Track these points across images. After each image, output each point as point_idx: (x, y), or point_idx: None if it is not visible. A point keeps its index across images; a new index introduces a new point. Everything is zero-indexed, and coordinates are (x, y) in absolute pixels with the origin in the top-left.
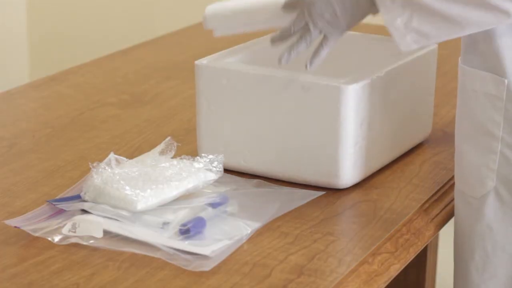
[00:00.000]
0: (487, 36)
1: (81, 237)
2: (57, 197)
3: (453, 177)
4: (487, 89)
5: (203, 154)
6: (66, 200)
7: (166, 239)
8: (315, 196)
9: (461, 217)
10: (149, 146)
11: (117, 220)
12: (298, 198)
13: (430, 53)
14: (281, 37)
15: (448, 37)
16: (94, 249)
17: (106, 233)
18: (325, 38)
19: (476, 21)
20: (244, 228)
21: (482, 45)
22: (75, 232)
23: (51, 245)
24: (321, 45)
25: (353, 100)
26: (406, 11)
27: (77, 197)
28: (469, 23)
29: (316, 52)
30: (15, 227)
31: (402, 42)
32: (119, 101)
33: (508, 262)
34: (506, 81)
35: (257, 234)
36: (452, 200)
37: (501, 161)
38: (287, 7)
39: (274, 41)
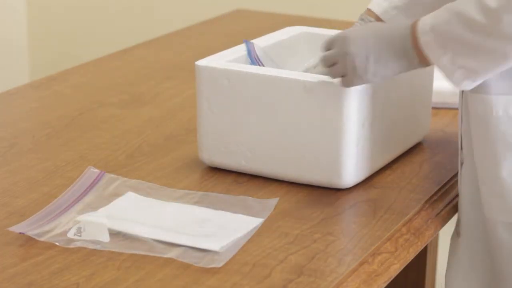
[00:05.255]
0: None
1: (88, 241)
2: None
3: (453, 177)
4: None
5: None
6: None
7: (174, 235)
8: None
9: (510, 247)
10: (149, 146)
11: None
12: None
13: None
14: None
15: (497, 69)
16: (94, 249)
17: (113, 234)
18: (344, 79)
19: None
20: (250, 222)
21: (506, 70)
22: (80, 236)
23: (51, 245)
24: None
25: (355, 101)
26: (447, 49)
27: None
28: (508, 55)
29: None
30: (20, 233)
31: (453, 79)
32: (119, 101)
33: None
34: None
35: (257, 234)
36: (452, 199)
37: None
38: (326, 42)
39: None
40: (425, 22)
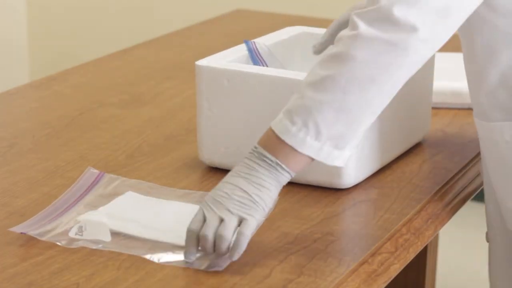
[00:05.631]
0: (502, 91)
1: (89, 240)
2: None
3: (453, 177)
4: None
5: None
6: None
7: (175, 237)
8: None
9: None
10: (149, 146)
11: (122, 217)
12: None
13: None
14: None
15: (364, 125)
16: (94, 249)
17: (114, 233)
18: (244, 222)
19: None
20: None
21: (496, 100)
22: (82, 235)
23: (51, 245)
24: (240, 233)
25: None
26: (309, 124)
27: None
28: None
29: (236, 244)
30: (22, 233)
31: (323, 157)
32: (119, 101)
33: None
34: None
35: (257, 234)
36: (452, 200)
37: None
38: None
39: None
40: (275, 121)
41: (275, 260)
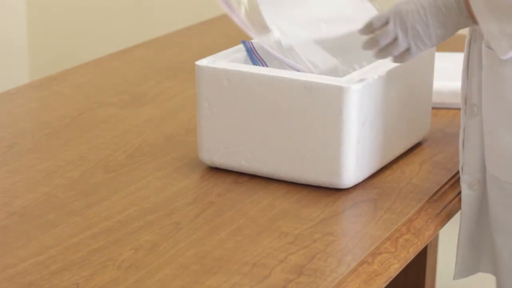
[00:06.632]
0: None
1: None
2: None
3: (453, 177)
4: None
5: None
6: None
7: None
8: None
9: (495, 202)
10: (149, 146)
11: None
12: None
13: (428, 52)
14: (371, 46)
15: None
16: (94, 249)
17: None
18: (408, 51)
19: None
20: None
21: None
22: None
23: (51, 245)
24: (402, 56)
25: (355, 100)
26: (496, 16)
27: None
28: None
29: (398, 58)
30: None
31: (499, 48)
32: (119, 101)
33: None
34: None
35: (257, 234)
36: (452, 200)
37: None
38: (377, 19)
39: (364, 48)
40: None
41: (275, 260)
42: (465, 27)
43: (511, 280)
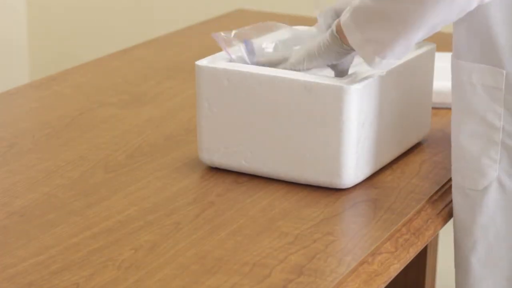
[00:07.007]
0: (482, 27)
1: None
2: None
3: None
4: (485, 81)
5: None
6: None
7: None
8: None
9: (461, 211)
10: (149, 146)
11: None
12: None
13: (428, 52)
14: None
15: (403, 36)
16: (94, 249)
17: None
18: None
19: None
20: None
21: (475, 38)
22: None
23: (51, 245)
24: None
25: (355, 100)
26: (358, 24)
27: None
28: (411, 15)
29: None
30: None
31: (365, 57)
32: (119, 101)
33: (510, 253)
34: (504, 72)
35: (257, 234)
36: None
37: (502, 151)
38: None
39: None
40: (349, 7)
41: (275, 260)
42: (343, 55)
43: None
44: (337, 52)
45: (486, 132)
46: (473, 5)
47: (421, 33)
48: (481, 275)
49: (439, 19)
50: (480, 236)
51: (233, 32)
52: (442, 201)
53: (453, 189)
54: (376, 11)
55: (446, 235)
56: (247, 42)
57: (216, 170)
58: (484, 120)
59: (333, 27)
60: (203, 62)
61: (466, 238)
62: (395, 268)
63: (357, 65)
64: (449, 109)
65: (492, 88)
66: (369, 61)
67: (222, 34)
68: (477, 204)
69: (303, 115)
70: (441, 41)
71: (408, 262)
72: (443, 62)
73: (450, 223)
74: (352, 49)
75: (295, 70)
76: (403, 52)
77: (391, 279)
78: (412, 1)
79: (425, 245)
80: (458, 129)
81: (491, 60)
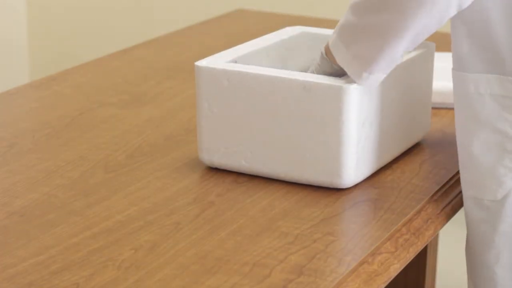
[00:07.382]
0: (484, 35)
1: None
2: None
3: (453, 177)
4: (493, 91)
5: None
6: None
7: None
8: None
9: (480, 223)
10: (149, 146)
11: None
12: None
13: (428, 52)
14: None
15: (385, 49)
16: (94, 249)
17: None
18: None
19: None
20: None
21: (478, 48)
22: None
23: (51, 245)
24: None
25: (355, 100)
26: (344, 41)
27: None
28: (394, 27)
29: None
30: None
31: (353, 73)
32: (119, 101)
33: None
34: (511, 78)
35: (257, 234)
36: (452, 200)
37: None
38: None
39: None
40: (335, 28)
41: (275, 260)
42: (335, 76)
43: None
44: (330, 73)
45: (499, 141)
46: (453, 10)
47: (404, 43)
48: (509, 284)
49: (420, 27)
50: (503, 245)
51: None
52: (442, 201)
53: (466, 202)
54: (360, 26)
55: (446, 235)
56: None
57: (216, 170)
58: (496, 130)
59: (322, 49)
60: (202, 63)
61: (488, 250)
62: (395, 268)
63: None
64: (449, 109)
65: (501, 97)
66: (357, 77)
67: None
68: (497, 214)
69: (303, 115)
70: (441, 41)
71: (408, 262)
72: (443, 62)
73: (450, 223)
74: (342, 69)
75: None
76: (389, 66)
77: (391, 279)
78: (392, 12)
79: (425, 245)
80: (468, 140)
81: (497, 68)
